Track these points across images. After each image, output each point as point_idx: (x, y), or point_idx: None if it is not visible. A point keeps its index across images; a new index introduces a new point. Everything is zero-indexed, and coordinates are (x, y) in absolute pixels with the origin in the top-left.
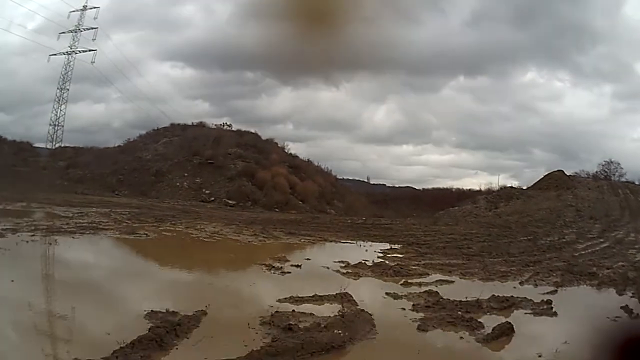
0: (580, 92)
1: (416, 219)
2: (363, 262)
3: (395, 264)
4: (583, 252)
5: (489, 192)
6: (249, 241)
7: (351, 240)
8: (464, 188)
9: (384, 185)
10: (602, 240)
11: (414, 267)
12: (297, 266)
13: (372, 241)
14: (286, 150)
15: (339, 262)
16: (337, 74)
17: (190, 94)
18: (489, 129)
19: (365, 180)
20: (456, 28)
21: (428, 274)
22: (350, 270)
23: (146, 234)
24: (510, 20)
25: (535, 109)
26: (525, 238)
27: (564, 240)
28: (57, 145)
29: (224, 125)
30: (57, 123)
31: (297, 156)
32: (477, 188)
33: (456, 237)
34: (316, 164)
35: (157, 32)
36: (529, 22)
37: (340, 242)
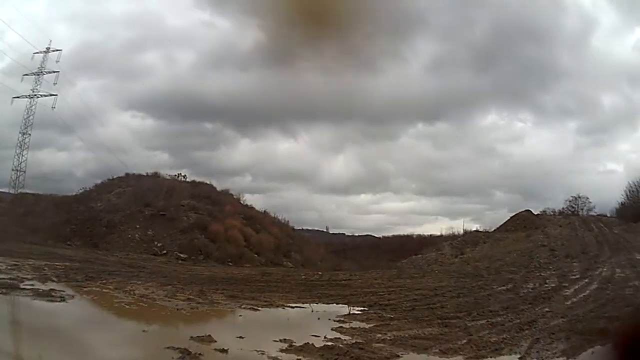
0: (543, 131)
1: (378, 272)
2: (311, 342)
3: (354, 341)
4: (575, 300)
5: (453, 237)
6: (179, 309)
7: (302, 302)
8: (425, 234)
9: (344, 234)
10: (587, 281)
11: (378, 345)
12: (223, 351)
13: (328, 302)
14: (242, 202)
15: (281, 341)
16: (296, 125)
17: (150, 144)
18: (448, 174)
19: (325, 230)
20: (416, 75)
21: (398, 356)
22: (293, 357)
23: (62, 297)
24: (470, 64)
25: (495, 151)
26: (504, 287)
27: (547, 286)
28: (19, 191)
29: (178, 176)
30: (19, 168)
31: (252, 207)
32: (439, 233)
33: (425, 292)
34: (273, 215)
35: (119, 80)
36: (490, 65)
37: (288, 306)
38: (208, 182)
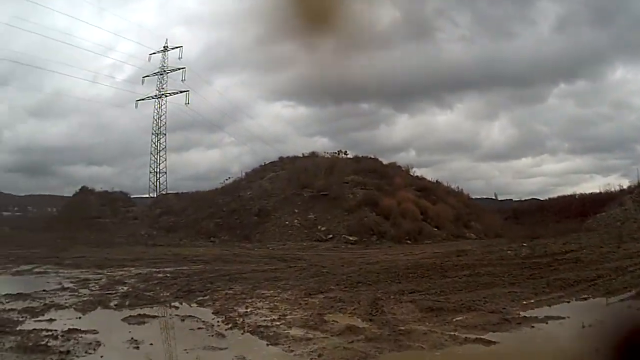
0: None
1: (594, 237)
2: None
3: None
4: None
5: (630, 190)
6: None
7: (548, 304)
8: (586, 193)
9: (511, 200)
10: None
11: None
12: None
13: (581, 297)
14: (411, 173)
15: None
16: (448, 96)
17: (307, 131)
18: (594, 131)
19: (493, 197)
20: (546, 35)
21: None
22: None
23: (67, 352)
24: (591, 21)
25: (631, 104)
26: None
27: None
28: (160, 193)
29: (339, 154)
30: (157, 170)
31: (424, 178)
32: (598, 191)
33: None
34: (446, 184)
35: (259, 74)
36: (608, 20)
37: (535, 318)
38: (372, 156)
